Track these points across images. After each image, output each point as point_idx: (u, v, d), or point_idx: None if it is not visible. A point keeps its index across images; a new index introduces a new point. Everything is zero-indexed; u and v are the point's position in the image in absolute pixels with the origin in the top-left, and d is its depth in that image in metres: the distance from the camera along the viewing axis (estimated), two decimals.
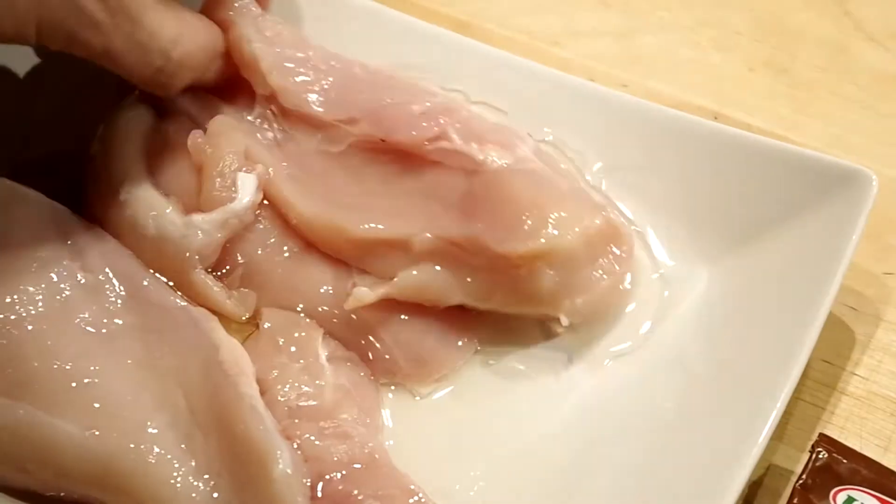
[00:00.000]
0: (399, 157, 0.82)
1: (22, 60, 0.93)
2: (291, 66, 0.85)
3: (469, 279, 0.79)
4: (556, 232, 0.76)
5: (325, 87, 0.85)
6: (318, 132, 0.84)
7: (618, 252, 0.79)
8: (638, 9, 1.02)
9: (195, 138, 0.84)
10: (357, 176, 0.82)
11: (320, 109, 0.84)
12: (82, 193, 0.86)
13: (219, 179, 0.81)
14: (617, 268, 0.79)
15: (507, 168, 0.79)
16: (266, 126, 0.86)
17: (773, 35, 1.00)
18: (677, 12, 1.02)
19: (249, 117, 0.86)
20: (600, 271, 0.78)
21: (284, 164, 0.84)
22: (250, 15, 0.87)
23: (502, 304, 0.79)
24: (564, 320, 0.78)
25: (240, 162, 0.82)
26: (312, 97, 0.84)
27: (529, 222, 0.76)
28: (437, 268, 0.79)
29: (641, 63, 0.99)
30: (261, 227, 0.82)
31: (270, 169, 0.83)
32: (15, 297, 0.74)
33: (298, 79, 0.85)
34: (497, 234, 0.76)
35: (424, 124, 0.80)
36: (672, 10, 1.02)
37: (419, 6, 1.02)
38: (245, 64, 0.86)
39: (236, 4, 0.87)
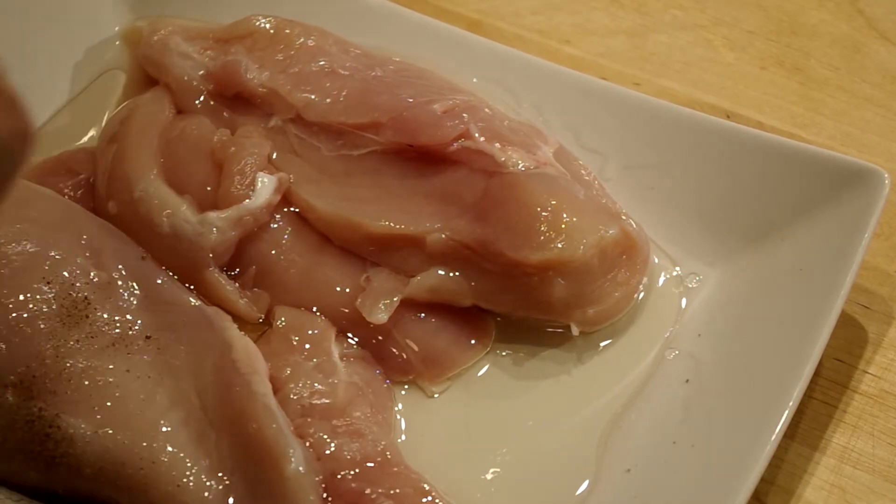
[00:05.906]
0: (419, 155, 0.82)
1: (27, 60, 0.93)
2: (308, 84, 0.86)
3: (481, 282, 0.79)
4: (569, 242, 0.75)
5: (345, 93, 0.84)
6: (339, 138, 0.84)
7: (633, 262, 0.79)
8: (651, 7, 1.02)
9: (221, 136, 0.84)
10: (376, 175, 0.82)
11: (342, 118, 0.84)
12: (96, 191, 0.86)
13: (238, 177, 0.81)
14: (631, 279, 0.79)
15: (525, 172, 0.79)
16: (287, 132, 0.86)
17: (786, 34, 1.00)
18: (691, 11, 1.02)
19: (270, 123, 0.86)
20: (614, 282, 0.78)
21: (305, 168, 0.84)
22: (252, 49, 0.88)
23: (513, 309, 0.79)
24: (575, 329, 0.78)
25: (261, 163, 0.82)
26: (334, 107, 0.84)
27: (543, 230, 0.76)
28: (451, 272, 0.79)
29: (654, 62, 0.99)
30: (275, 227, 0.82)
31: (291, 176, 0.83)
32: (28, 295, 0.74)
33: (318, 92, 0.85)
34: (510, 240, 0.76)
35: (448, 124, 0.80)
36: (685, 8, 1.02)
37: (431, 4, 1.01)
38: (259, 95, 0.86)
39: (232, 50, 0.88)
